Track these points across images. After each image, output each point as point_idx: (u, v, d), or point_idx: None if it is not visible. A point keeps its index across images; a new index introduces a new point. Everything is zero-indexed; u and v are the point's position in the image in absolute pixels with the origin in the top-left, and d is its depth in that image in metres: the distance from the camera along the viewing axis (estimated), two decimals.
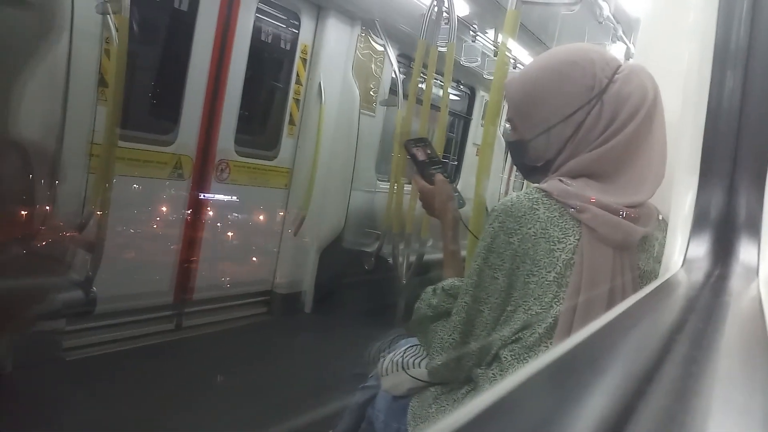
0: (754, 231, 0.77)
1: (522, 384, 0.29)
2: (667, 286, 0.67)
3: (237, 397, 2.63)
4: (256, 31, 3.66)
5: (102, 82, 2.71)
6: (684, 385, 0.31)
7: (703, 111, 0.84)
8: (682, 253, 0.80)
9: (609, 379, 0.31)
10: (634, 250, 1.03)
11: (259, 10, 3.61)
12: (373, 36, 4.21)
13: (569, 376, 0.32)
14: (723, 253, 0.78)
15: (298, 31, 3.92)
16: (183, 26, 3.27)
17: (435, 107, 4.01)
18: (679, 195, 0.85)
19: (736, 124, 0.82)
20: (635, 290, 0.99)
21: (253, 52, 3.61)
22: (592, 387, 0.29)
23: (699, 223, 0.81)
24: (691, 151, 0.84)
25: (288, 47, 3.96)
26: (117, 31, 2.50)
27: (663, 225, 1.08)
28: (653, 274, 1.03)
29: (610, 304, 0.97)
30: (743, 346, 0.43)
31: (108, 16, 2.53)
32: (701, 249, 0.79)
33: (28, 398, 2.38)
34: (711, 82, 0.84)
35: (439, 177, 1.37)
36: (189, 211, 3.46)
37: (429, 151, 1.41)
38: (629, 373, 0.32)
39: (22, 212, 2.53)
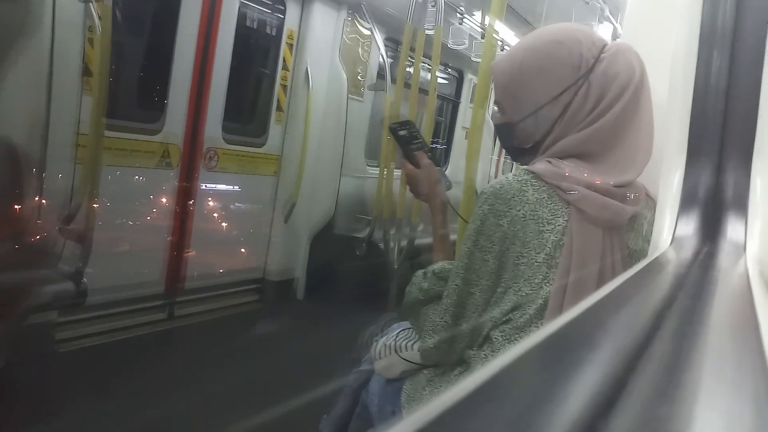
0: (741, 209, 0.78)
1: (515, 361, 0.29)
2: (657, 264, 0.68)
3: (230, 384, 2.63)
4: (242, 17, 3.62)
5: (86, 72, 2.68)
6: (674, 360, 0.32)
7: (690, 91, 0.84)
8: (671, 232, 0.80)
9: (601, 354, 0.31)
10: (623, 229, 1.04)
11: None
12: (359, 20, 4.18)
13: (562, 353, 0.32)
14: (711, 230, 0.79)
15: (284, 16, 3.89)
16: (167, 13, 3.23)
17: (423, 91, 4.00)
18: (667, 174, 0.85)
19: (723, 104, 0.83)
20: (625, 269, 1.00)
21: (238, 39, 3.58)
22: (584, 362, 0.29)
23: (687, 201, 0.82)
24: (679, 131, 0.85)
25: (274, 33, 3.92)
26: (100, 19, 2.47)
27: (651, 204, 1.09)
28: (642, 253, 1.04)
29: (599, 284, 0.98)
30: (731, 321, 0.44)
31: (90, 4, 2.50)
32: (689, 227, 0.80)
33: (20, 391, 2.38)
34: (698, 62, 0.85)
35: (425, 160, 1.37)
36: (178, 200, 3.44)
37: (415, 134, 1.40)
38: (621, 348, 0.33)
39: (9, 205, 2.51)
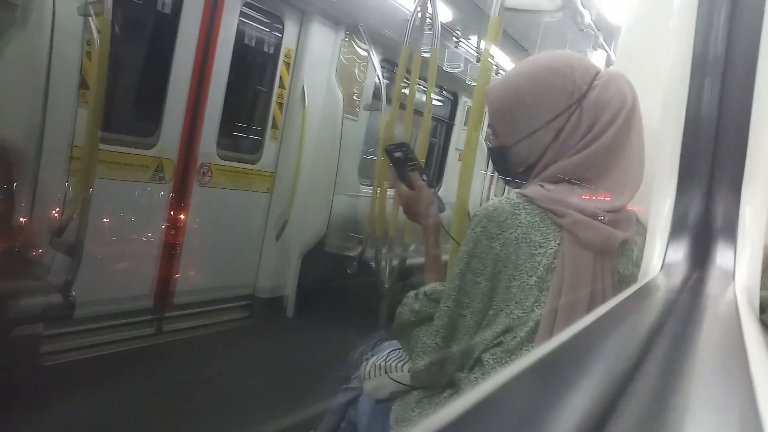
0: (731, 236, 0.79)
1: (506, 383, 0.29)
2: (647, 290, 0.68)
3: (216, 401, 2.61)
4: (240, 35, 3.65)
5: (83, 84, 2.69)
6: (663, 384, 0.32)
7: (682, 117, 0.86)
8: (661, 257, 0.81)
9: (591, 377, 0.31)
10: (614, 254, 1.05)
11: (242, 14, 3.61)
12: (356, 41, 4.21)
13: (552, 375, 0.32)
14: (700, 257, 0.79)
15: (282, 35, 3.92)
16: (166, 29, 3.25)
17: (418, 112, 4.03)
18: (658, 200, 0.86)
19: (714, 132, 0.84)
20: (615, 294, 1.00)
21: (236, 56, 3.60)
22: (575, 385, 0.30)
23: (677, 227, 0.83)
24: (670, 158, 0.86)
25: (271, 51, 3.95)
26: (99, 33, 2.48)
27: (642, 230, 1.10)
28: (632, 278, 1.04)
29: (590, 308, 0.99)
30: (720, 346, 0.44)
31: (90, 17, 2.51)
32: (679, 253, 0.81)
33: (4, 404, 2.35)
34: (690, 89, 0.86)
35: (419, 182, 1.38)
36: (170, 215, 3.43)
37: (410, 157, 1.41)
38: (611, 372, 0.33)
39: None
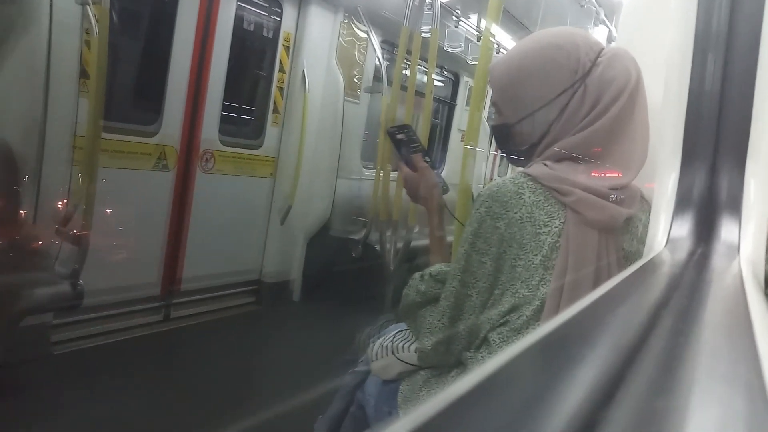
0: (735, 211, 0.79)
1: (515, 358, 0.30)
2: (652, 265, 0.69)
3: (225, 385, 2.63)
4: (239, 20, 3.63)
5: (83, 74, 2.68)
6: (670, 356, 0.32)
7: (685, 94, 0.85)
8: (666, 233, 0.81)
9: (599, 351, 0.32)
10: (619, 231, 1.05)
11: None
12: (356, 23, 4.19)
13: (561, 350, 0.33)
14: (705, 232, 0.80)
15: (281, 18, 3.90)
16: (164, 15, 3.23)
17: (420, 94, 4.01)
18: (662, 176, 0.86)
19: (717, 107, 0.83)
20: (620, 271, 1.01)
21: (235, 41, 3.59)
22: (583, 359, 0.30)
23: (682, 203, 0.83)
24: (674, 134, 0.86)
25: (271, 35, 3.93)
26: (97, 21, 2.47)
27: (646, 206, 1.10)
28: (637, 255, 1.05)
29: (595, 285, 0.99)
30: (725, 319, 0.44)
31: (88, 6, 2.50)
32: (684, 229, 0.81)
33: (16, 394, 2.37)
34: (692, 66, 0.86)
35: (423, 164, 1.37)
36: (174, 203, 3.44)
37: (412, 138, 1.41)
38: (618, 345, 0.34)
39: (5, 207, 2.51)
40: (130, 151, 3.14)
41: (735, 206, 0.79)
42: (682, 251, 0.75)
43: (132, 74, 3.38)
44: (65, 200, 2.67)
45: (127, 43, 3.25)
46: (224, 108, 3.64)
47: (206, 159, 3.58)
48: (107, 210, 3.00)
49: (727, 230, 0.79)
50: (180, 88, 3.32)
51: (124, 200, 3.21)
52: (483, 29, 3.65)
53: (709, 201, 0.82)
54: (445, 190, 1.38)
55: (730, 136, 0.82)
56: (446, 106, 5.89)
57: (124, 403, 2.32)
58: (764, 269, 0.79)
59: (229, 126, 3.75)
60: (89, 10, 2.50)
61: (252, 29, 3.84)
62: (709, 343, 0.35)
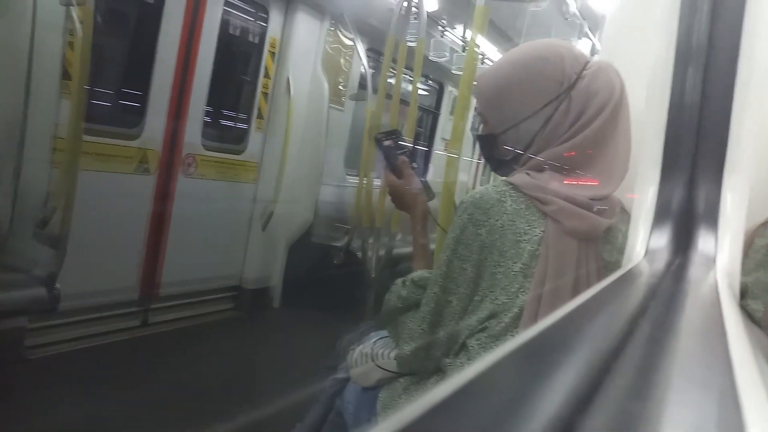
0: (712, 222, 0.80)
1: (494, 364, 0.30)
2: (630, 275, 0.70)
3: (202, 392, 2.61)
4: (224, 24, 3.62)
5: (66, 75, 2.65)
6: (647, 362, 0.33)
7: (665, 106, 0.87)
8: (645, 244, 0.82)
9: (578, 357, 0.32)
10: (599, 241, 1.06)
11: (227, 3, 3.58)
12: (342, 30, 4.20)
13: (540, 356, 0.33)
14: (683, 243, 0.81)
15: (267, 24, 3.89)
16: (149, 18, 3.21)
17: (404, 102, 4.02)
18: (642, 188, 0.88)
19: (697, 120, 0.85)
20: (599, 280, 1.02)
21: (220, 46, 3.57)
22: (562, 364, 0.30)
23: (661, 214, 0.84)
24: (654, 146, 0.87)
25: (256, 41, 3.93)
26: (81, 23, 2.44)
27: (626, 217, 1.11)
28: (617, 265, 1.06)
29: (574, 294, 1.00)
30: (701, 328, 0.45)
31: (71, 7, 2.48)
32: (662, 240, 0.82)
33: None
34: (673, 79, 0.87)
35: (408, 171, 1.38)
36: (155, 207, 3.41)
37: (400, 145, 1.41)
38: (596, 351, 0.34)
39: None
40: (111, 154, 3.11)
41: (712, 218, 0.80)
42: (660, 262, 0.76)
43: (115, 77, 3.35)
44: (43, 202, 2.64)
45: (111, 46, 3.23)
46: (208, 112, 3.62)
47: (188, 163, 3.56)
48: (86, 213, 2.96)
49: (704, 242, 0.80)
50: (163, 92, 3.30)
51: (103, 203, 3.17)
52: (468, 40, 3.68)
53: (688, 213, 0.83)
54: (430, 197, 1.38)
55: (708, 150, 0.84)
56: (430, 115, 5.91)
57: (98, 409, 2.28)
58: (740, 281, 0.80)
59: (212, 130, 3.73)
60: (73, 11, 2.48)
61: (238, 34, 3.83)
62: (684, 351, 0.36)
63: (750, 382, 0.30)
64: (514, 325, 0.99)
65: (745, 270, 0.84)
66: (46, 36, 2.55)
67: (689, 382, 0.30)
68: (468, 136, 3.99)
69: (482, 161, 6.08)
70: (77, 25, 2.45)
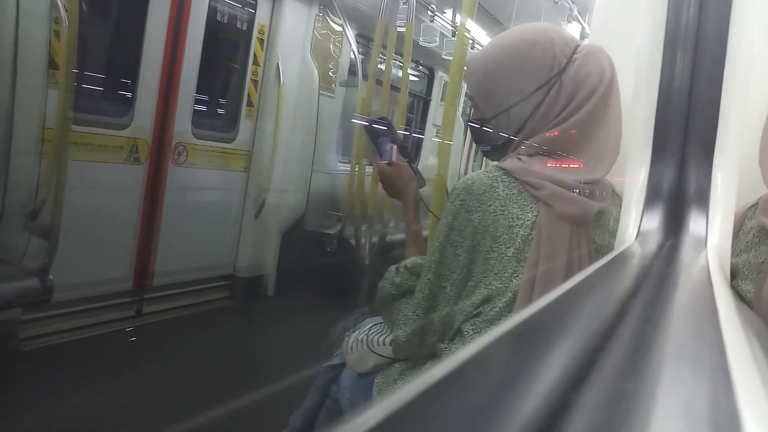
0: (703, 204, 0.81)
1: (490, 344, 0.31)
2: (623, 257, 0.70)
3: (199, 380, 2.61)
4: (212, 11, 3.58)
5: (52, 65, 2.63)
6: (640, 341, 0.33)
7: (655, 90, 0.87)
8: (636, 226, 0.83)
9: (572, 336, 0.33)
10: (590, 225, 1.07)
11: None
12: (331, 16, 4.17)
13: (535, 336, 0.34)
14: (674, 225, 0.82)
15: (255, 11, 3.86)
16: (136, 6, 3.18)
17: (395, 88, 4.01)
18: (632, 171, 0.88)
19: (686, 103, 0.85)
20: (591, 263, 1.02)
21: (208, 32, 3.54)
22: (556, 343, 0.31)
23: (652, 197, 0.85)
24: (644, 129, 0.87)
25: (245, 27, 3.89)
26: (67, 11, 2.41)
27: (617, 200, 1.12)
28: (609, 248, 1.07)
29: (567, 278, 1.00)
30: (693, 307, 0.46)
31: None
32: (654, 222, 0.83)
33: None
34: (663, 62, 0.88)
35: (399, 158, 1.38)
36: (146, 196, 3.40)
37: (390, 132, 1.41)
38: (590, 331, 0.35)
39: None
40: (100, 144, 3.08)
41: (703, 200, 0.81)
42: (652, 244, 0.77)
43: (103, 66, 3.32)
44: (33, 193, 2.62)
45: (98, 34, 3.19)
46: (197, 101, 3.60)
47: (179, 152, 3.54)
48: (77, 204, 2.95)
49: (695, 224, 0.81)
50: (152, 80, 3.27)
51: (94, 194, 3.15)
52: (458, 24, 3.66)
53: (678, 195, 0.83)
54: (422, 183, 1.39)
55: (698, 132, 0.84)
56: (421, 100, 5.90)
57: (93, 400, 2.28)
58: (730, 262, 0.81)
59: (202, 119, 3.70)
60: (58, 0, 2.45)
61: (226, 21, 3.80)
62: (676, 330, 0.37)
63: (741, 360, 0.30)
64: (509, 310, 1.00)
65: (736, 251, 0.85)
66: (31, 25, 2.52)
67: (681, 360, 0.31)
68: (459, 122, 3.99)
69: (474, 147, 6.09)
70: (63, 13, 2.42)
